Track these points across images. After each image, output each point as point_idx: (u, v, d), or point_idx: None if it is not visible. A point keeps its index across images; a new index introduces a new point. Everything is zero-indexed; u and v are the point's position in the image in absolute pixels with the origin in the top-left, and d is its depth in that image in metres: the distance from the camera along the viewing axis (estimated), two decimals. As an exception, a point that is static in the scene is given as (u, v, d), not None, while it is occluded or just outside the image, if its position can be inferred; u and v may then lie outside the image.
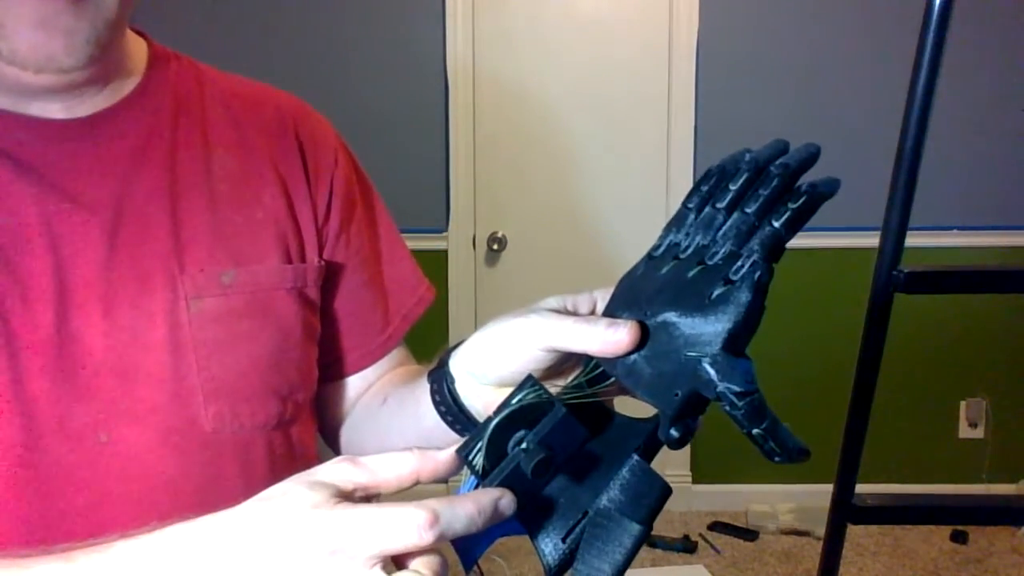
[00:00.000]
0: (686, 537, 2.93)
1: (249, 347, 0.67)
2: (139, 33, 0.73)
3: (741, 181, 0.48)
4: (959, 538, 2.92)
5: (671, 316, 0.47)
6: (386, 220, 0.83)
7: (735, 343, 0.45)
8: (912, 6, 1.30)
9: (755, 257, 0.45)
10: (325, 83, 2.99)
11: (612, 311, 0.53)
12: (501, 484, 0.45)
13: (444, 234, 3.07)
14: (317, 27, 3.00)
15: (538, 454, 0.45)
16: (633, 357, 0.49)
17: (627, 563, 0.47)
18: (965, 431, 3.15)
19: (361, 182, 0.81)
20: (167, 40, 0.74)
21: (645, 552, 2.87)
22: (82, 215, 0.63)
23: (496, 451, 0.47)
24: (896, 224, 1.14)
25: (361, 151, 0.82)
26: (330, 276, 0.75)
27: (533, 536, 0.48)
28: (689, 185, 3.54)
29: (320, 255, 0.74)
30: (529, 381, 0.49)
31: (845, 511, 1.24)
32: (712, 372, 0.44)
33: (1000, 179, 3.02)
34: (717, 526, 3.03)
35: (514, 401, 0.48)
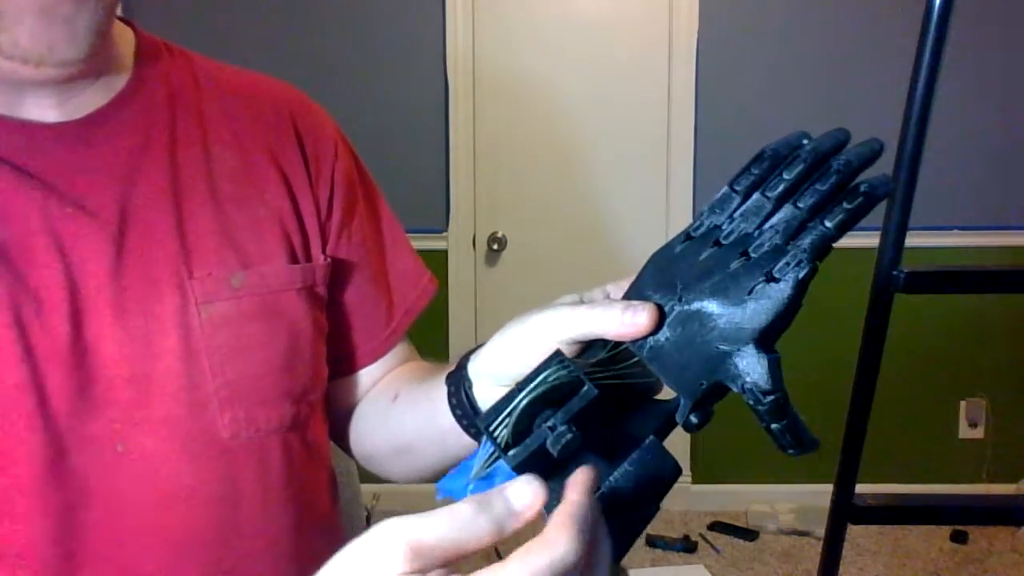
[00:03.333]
0: (686, 537, 2.93)
1: (262, 350, 0.67)
2: (125, 22, 0.70)
3: (797, 171, 0.47)
4: (959, 538, 2.92)
5: (708, 306, 0.46)
6: (387, 212, 0.82)
7: (768, 339, 0.45)
8: (912, 6, 1.30)
9: (802, 257, 0.45)
10: (325, 83, 2.98)
11: (642, 289, 0.51)
12: (525, 461, 0.44)
13: (444, 234, 3.07)
14: (316, 27, 3.00)
15: (566, 435, 0.44)
16: (661, 340, 0.48)
17: (633, 541, 0.47)
18: (965, 431, 3.15)
19: (361, 174, 0.80)
20: (166, 34, 0.72)
21: (645, 552, 2.87)
22: (87, 220, 0.61)
23: (521, 426, 0.45)
24: (896, 224, 1.15)
25: (361, 151, 0.82)
26: (334, 272, 0.74)
27: (547, 509, 0.48)
28: (689, 184, 3.50)
29: (324, 251, 0.73)
30: (557, 357, 0.48)
31: (845, 511, 1.25)
32: (742, 367, 0.45)
33: (1000, 179, 3.02)
34: (717, 526, 3.03)
35: (544, 377, 0.46)
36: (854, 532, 2.74)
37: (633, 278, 0.53)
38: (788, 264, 0.45)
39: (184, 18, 2.95)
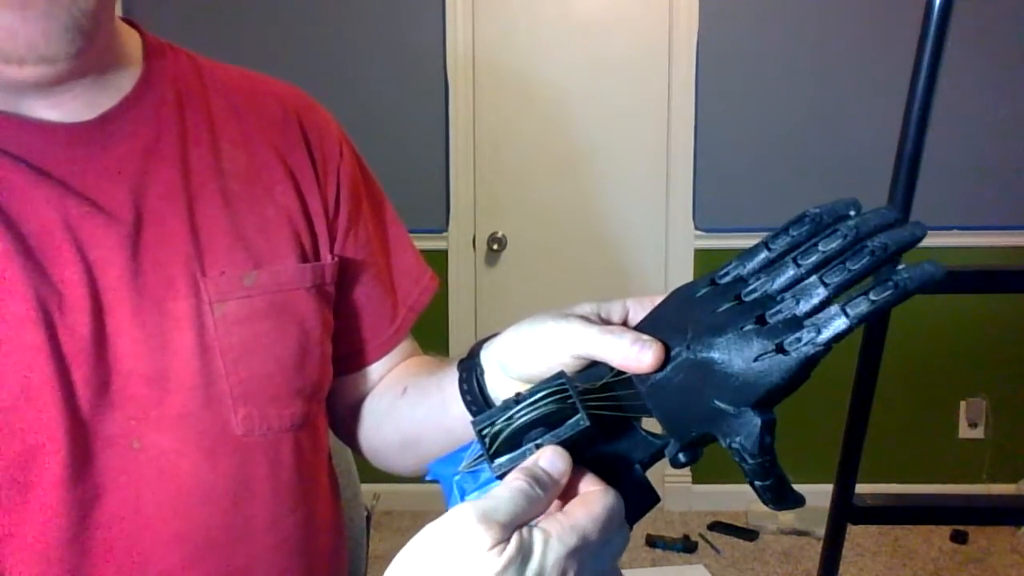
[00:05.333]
0: (686, 537, 2.93)
1: (274, 349, 0.68)
2: (131, 24, 0.71)
3: (832, 247, 0.46)
4: (959, 538, 2.92)
5: (713, 361, 0.46)
6: (389, 210, 0.83)
7: (766, 403, 0.45)
8: (912, 6, 1.30)
9: (815, 338, 0.44)
10: (325, 82, 2.98)
11: (656, 324, 0.52)
12: (508, 472, 0.47)
13: (444, 234, 3.07)
14: (316, 26, 3.00)
15: None
16: (663, 380, 0.49)
17: None
18: (965, 431, 3.15)
19: (364, 173, 0.81)
20: (166, 34, 0.73)
21: (645, 552, 2.87)
22: (104, 219, 0.62)
23: (511, 438, 0.48)
24: (896, 224, 1.14)
25: (361, 151, 0.82)
26: (340, 270, 0.75)
27: None
28: (687, 183, 3.49)
29: (332, 250, 0.74)
30: (559, 379, 0.50)
31: (845, 511, 1.25)
32: (734, 427, 0.45)
33: (1000, 179, 3.02)
34: (717, 526, 3.03)
35: (542, 398, 0.49)
36: (854, 532, 2.74)
37: (651, 296, 0.55)
38: (800, 340, 0.45)
39: (183, 18, 2.95)
